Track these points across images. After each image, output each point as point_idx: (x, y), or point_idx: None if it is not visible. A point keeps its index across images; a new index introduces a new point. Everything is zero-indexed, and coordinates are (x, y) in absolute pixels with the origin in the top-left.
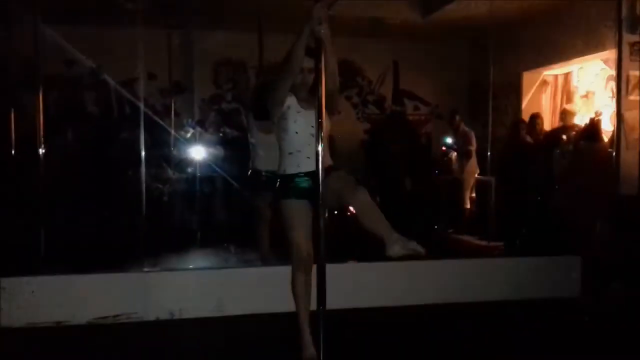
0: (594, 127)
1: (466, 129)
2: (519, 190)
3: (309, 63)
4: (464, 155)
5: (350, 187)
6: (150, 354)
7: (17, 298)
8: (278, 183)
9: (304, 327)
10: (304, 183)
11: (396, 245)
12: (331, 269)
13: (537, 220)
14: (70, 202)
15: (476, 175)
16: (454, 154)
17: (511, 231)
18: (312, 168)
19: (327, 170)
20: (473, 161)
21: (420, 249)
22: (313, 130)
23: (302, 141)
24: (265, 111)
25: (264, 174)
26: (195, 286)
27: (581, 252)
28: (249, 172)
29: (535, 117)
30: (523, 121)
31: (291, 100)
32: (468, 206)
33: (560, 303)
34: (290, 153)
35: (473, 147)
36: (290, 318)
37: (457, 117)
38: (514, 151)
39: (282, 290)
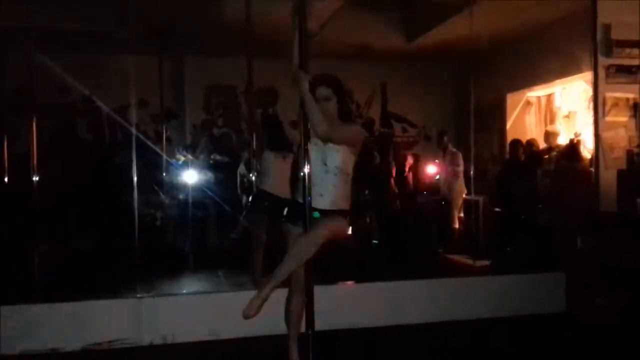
0: (573, 147)
1: (453, 149)
2: (510, 208)
3: (325, 92)
4: (452, 176)
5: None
6: None
7: (12, 325)
8: (291, 207)
9: (293, 347)
10: (314, 215)
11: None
12: (320, 290)
13: (524, 237)
14: (64, 228)
15: (464, 195)
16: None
17: (498, 249)
18: (320, 206)
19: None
20: (461, 181)
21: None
22: (327, 167)
23: (316, 176)
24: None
25: (269, 196)
26: (188, 311)
27: (565, 268)
28: (255, 192)
29: (531, 143)
30: (519, 141)
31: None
32: (457, 226)
33: (547, 319)
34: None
35: (460, 168)
36: (282, 340)
37: (445, 138)
38: (512, 171)
39: (274, 313)
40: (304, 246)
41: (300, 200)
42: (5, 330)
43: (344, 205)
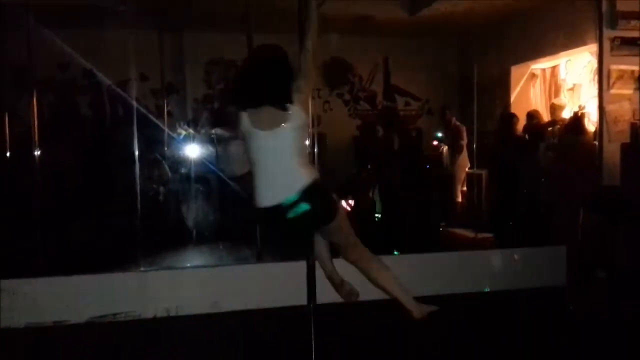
0: (577, 120)
1: (457, 123)
2: (510, 183)
3: None
4: (456, 150)
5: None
6: (149, 351)
7: (16, 299)
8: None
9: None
10: None
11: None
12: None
13: (525, 212)
14: (66, 203)
15: (467, 169)
16: (445, 148)
17: (500, 223)
18: None
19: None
20: (464, 155)
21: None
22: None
23: None
24: None
25: None
26: (191, 284)
27: (567, 242)
28: None
29: (533, 114)
30: (514, 115)
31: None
32: (459, 199)
33: (548, 292)
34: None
35: (464, 142)
36: (285, 313)
37: (448, 112)
38: (505, 145)
39: (277, 287)
40: None
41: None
42: (10, 303)
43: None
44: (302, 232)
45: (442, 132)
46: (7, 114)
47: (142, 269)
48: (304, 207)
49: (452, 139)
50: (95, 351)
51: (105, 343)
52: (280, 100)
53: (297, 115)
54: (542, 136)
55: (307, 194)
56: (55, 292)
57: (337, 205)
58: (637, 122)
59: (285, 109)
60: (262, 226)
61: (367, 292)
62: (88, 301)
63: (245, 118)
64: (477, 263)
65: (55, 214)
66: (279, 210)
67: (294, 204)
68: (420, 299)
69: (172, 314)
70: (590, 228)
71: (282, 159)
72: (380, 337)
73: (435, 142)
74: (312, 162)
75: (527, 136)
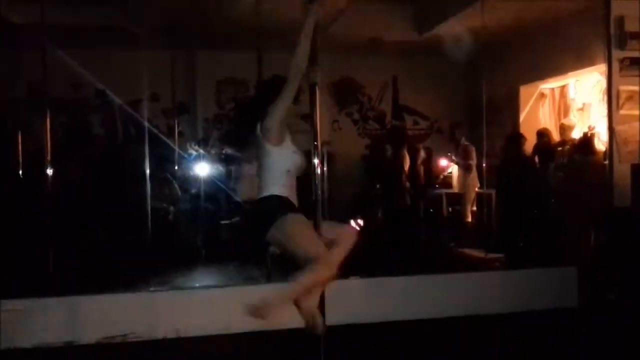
0: (587, 140)
1: (466, 143)
2: (518, 203)
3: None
4: (465, 170)
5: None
6: None
7: (28, 319)
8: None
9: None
10: None
11: None
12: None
13: (535, 232)
14: (78, 221)
15: (477, 189)
16: (453, 168)
17: (510, 244)
18: None
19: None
20: (474, 175)
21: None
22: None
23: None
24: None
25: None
26: (201, 305)
27: (577, 263)
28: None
29: (542, 133)
30: (521, 135)
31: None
32: (469, 219)
33: (559, 314)
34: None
35: (473, 161)
36: (295, 334)
37: (457, 132)
38: (512, 165)
39: (287, 308)
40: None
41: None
42: (20, 323)
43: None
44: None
45: (451, 152)
46: (20, 132)
47: (151, 289)
48: None
49: (461, 159)
50: None
51: None
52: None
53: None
54: (551, 156)
55: None
56: (67, 312)
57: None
58: None
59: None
60: None
61: (377, 314)
62: (98, 321)
63: None
64: (488, 284)
65: (66, 232)
66: None
67: None
68: (429, 321)
69: (182, 335)
70: (601, 248)
71: None
72: (391, 358)
73: (443, 163)
74: (322, 180)
75: (536, 156)
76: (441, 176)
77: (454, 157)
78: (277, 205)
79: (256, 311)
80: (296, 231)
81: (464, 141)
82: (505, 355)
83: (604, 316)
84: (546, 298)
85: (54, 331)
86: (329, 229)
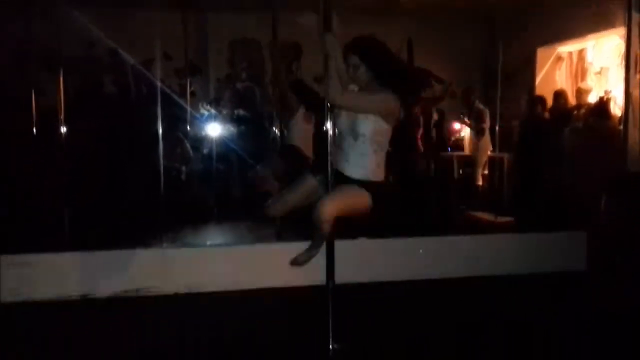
0: (603, 105)
1: (481, 106)
2: (533, 166)
3: (353, 60)
4: (478, 133)
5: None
6: (169, 326)
7: (44, 272)
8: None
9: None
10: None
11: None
12: (340, 245)
13: (548, 196)
14: (91, 180)
15: (489, 153)
16: (466, 131)
17: (522, 207)
18: (346, 173)
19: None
20: (486, 138)
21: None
22: (355, 135)
23: (343, 142)
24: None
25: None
26: (212, 262)
27: (587, 227)
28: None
29: (559, 94)
30: (539, 98)
31: None
32: (480, 183)
33: (567, 277)
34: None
35: (486, 125)
36: (304, 292)
37: (472, 95)
38: (530, 128)
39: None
40: (322, 206)
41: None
42: (38, 276)
43: (373, 176)
44: None
45: (465, 115)
46: (33, 91)
47: (164, 245)
48: None
49: (475, 122)
50: (118, 325)
51: (127, 317)
52: None
53: None
54: (567, 120)
55: None
56: (82, 266)
57: None
58: None
59: None
60: None
61: (385, 274)
62: (112, 276)
63: None
64: (496, 246)
65: (80, 190)
66: None
67: None
68: (439, 281)
69: (193, 290)
70: (612, 212)
71: None
72: (397, 317)
73: (456, 126)
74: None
75: (553, 119)
76: (452, 139)
77: (466, 120)
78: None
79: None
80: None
81: (477, 104)
82: (512, 317)
83: (611, 279)
84: (554, 261)
85: (68, 285)
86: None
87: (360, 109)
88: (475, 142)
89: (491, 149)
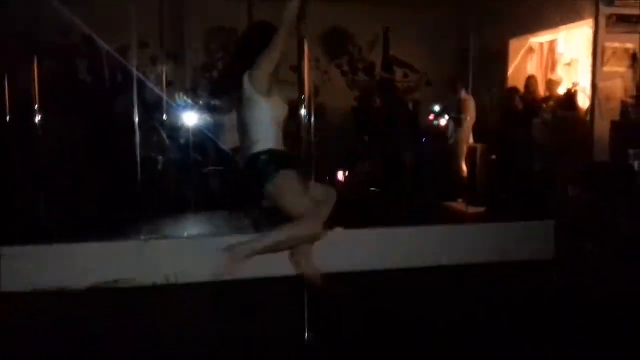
0: (570, 97)
1: (466, 96)
2: (506, 157)
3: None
4: (459, 123)
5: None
6: (148, 318)
7: (21, 265)
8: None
9: None
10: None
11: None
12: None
13: (519, 185)
14: (67, 170)
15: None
16: (443, 121)
17: (493, 196)
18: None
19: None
20: (467, 129)
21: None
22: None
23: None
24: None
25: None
26: (190, 252)
27: (557, 216)
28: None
29: (530, 78)
30: (515, 89)
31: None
32: (463, 173)
33: (535, 265)
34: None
35: (471, 115)
36: (281, 282)
37: (459, 83)
38: (502, 119)
39: (274, 256)
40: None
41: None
42: (14, 268)
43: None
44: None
45: (449, 104)
46: (6, 77)
47: (142, 237)
48: None
49: (459, 111)
50: (96, 316)
51: (105, 309)
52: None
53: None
54: (537, 111)
55: None
56: (59, 258)
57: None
58: (627, 100)
59: None
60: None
61: (359, 263)
62: (89, 268)
63: None
64: (466, 235)
65: (56, 181)
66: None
67: None
68: (409, 270)
69: (171, 281)
70: (580, 202)
71: None
72: (372, 307)
73: (431, 116)
74: (310, 133)
75: (523, 109)
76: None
77: (448, 112)
78: (273, 161)
79: (229, 258)
80: (286, 187)
81: (464, 94)
82: (480, 305)
83: (579, 267)
84: (523, 250)
85: (45, 277)
86: (314, 188)
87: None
88: (454, 132)
89: (471, 139)
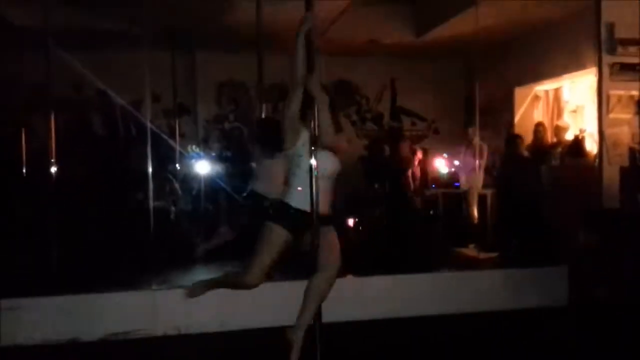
0: (578, 143)
1: (480, 142)
2: (514, 202)
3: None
4: (469, 171)
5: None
6: None
7: (32, 317)
8: (275, 207)
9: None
10: (298, 220)
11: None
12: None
13: (530, 232)
14: (80, 220)
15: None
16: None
17: (505, 243)
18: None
19: (322, 217)
20: (479, 175)
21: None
22: (324, 172)
23: (304, 179)
24: (275, 142)
25: (262, 197)
26: (201, 303)
27: (568, 262)
28: (248, 192)
29: (539, 125)
30: (519, 136)
31: (307, 137)
32: (474, 220)
33: (549, 312)
34: (299, 188)
35: (484, 161)
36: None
37: (471, 130)
38: (512, 165)
39: (285, 306)
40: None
41: (286, 201)
42: (25, 321)
43: (329, 211)
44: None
45: (462, 150)
46: (23, 131)
47: (153, 287)
48: None
49: (472, 158)
50: None
51: None
52: None
53: None
54: (544, 158)
55: None
56: (70, 310)
57: None
58: (635, 146)
59: None
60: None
61: (372, 312)
62: (101, 319)
63: None
64: (480, 282)
65: (69, 231)
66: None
67: None
68: (423, 319)
69: (182, 332)
70: (590, 248)
71: None
72: (384, 356)
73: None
74: None
75: (531, 156)
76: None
77: (460, 158)
78: (272, 211)
79: (190, 292)
80: (263, 239)
81: (477, 141)
82: (495, 353)
83: (592, 314)
84: (537, 296)
85: (57, 329)
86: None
87: (340, 148)
88: (466, 179)
89: (481, 185)
